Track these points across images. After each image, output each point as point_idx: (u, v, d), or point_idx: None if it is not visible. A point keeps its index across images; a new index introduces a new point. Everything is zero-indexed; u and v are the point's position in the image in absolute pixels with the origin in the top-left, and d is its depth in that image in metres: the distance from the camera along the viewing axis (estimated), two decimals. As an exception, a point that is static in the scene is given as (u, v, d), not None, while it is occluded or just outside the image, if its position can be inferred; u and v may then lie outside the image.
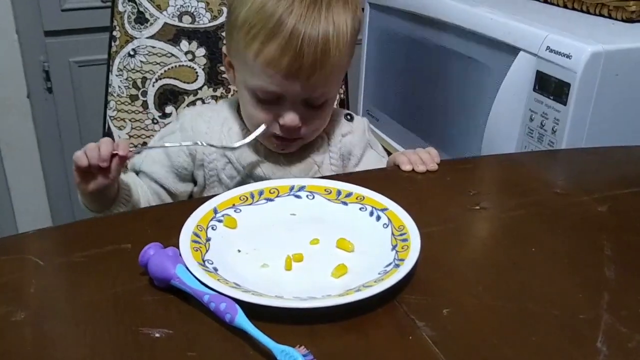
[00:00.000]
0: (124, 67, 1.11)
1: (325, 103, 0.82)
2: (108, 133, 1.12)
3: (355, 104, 1.68)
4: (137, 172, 0.90)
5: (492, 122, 1.10)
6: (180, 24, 1.08)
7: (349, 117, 0.92)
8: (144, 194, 0.86)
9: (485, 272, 0.61)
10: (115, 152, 0.73)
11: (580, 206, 0.74)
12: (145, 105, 1.11)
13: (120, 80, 1.11)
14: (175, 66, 1.09)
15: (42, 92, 1.73)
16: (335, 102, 1.15)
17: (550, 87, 0.98)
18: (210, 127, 0.88)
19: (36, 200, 1.75)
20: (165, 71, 1.10)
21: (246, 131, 0.86)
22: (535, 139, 1.02)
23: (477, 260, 0.63)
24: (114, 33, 1.11)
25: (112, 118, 1.12)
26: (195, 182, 0.89)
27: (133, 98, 1.11)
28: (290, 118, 0.79)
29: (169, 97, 1.11)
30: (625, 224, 0.70)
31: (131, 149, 0.75)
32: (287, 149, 0.84)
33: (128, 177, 0.87)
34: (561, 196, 0.76)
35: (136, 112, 1.12)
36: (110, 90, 1.12)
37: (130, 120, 1.12)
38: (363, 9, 1.61)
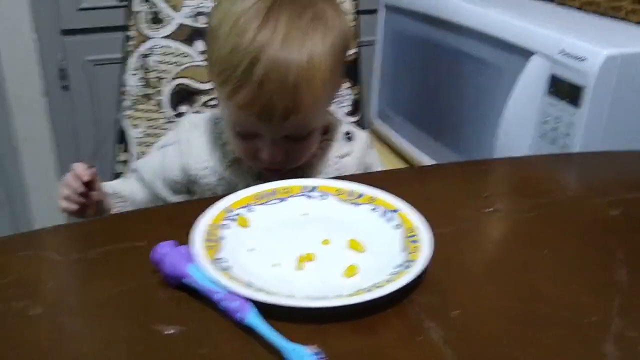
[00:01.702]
0: (139, 66, 1.12)
1: (309, 135, 0.78)
2: (122, 132, 1.13)
3: (370, 105, 1.68)
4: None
5: (505, 124, 1.10)
6: (195, 24, 1.09)
7: (348, 136, 0.88)
8: (145, 195, 0.88)
9: (496, 273, 0.61)
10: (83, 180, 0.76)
11: (593, 209, 0.74)
12: (159, 104, 1.12)
13: (135, 80, 1.12)
14: (190, 66, 1.10)
15: (59, 90, 1.75)
16: (343, 112, 1.16)
17: (565, 90, 0.97)
18: (204, 141, 0.86)
19: (52, 197, 1.77)
20: (180, 71, 1.11)
21: None
22: (549, 142, 1.02)
23: (488, 262, 0.63)
24: (129, 33, 1.12)
25: (126, 117, 1.13)
26: (191, 193, 0.89)
27: (147, 97, 1.12)
28: (269, 153, 0.77)
29: (184, 97, 1.11)
30: (638, 227, 0.70)
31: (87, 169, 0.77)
32: (273, 177, 0.81)
33: (125, 184, 0.89)
34: (574, 199, 0.76)
35: (151, 111, 1.13)
36: (124, 89, 1.13)
37: (144, 119, 1.13)
38: (376, 10, 1.61)
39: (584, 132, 0.95)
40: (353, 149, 0.88)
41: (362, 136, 0.90)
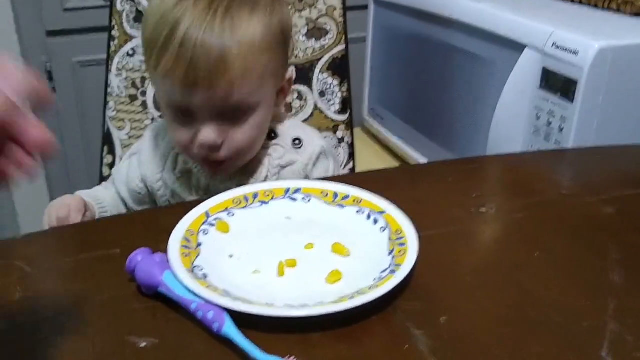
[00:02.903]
0: (123, 66, 1.09)
1: (246, 116, 0.75)
2: (107, 134, 1.10)
3: (361, 102, 1.66)
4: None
5: (497, 120, 1.08)
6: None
7: (296, 143, 0.83)
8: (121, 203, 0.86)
9: (486, 277, 0.59)
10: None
11: (586, 208, 0.71)
12: (144, 105, 1.10)
13: (120, 80, 1.10)
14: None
15: (45, 92, 1.72)
16: (333, 110, 1.13)
17: (557, 84, 0.95)
18: (160, 153, 0.85)
19: (38, 201, 1.74)
20: (165, 71, 1.08)
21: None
22: (542, 138, 1.00)
23: (478, 265, 0.61)
24: (113, 32, 1.09)
25: (111, 119, 1.11)
26: (155, 204, 0.87)
27: (132, 98, 1.10)
28: (204, 134, 0.73)
29: (169, 97, 1.09)
30: (633, 226, 0.67)
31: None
32: (220, 172, 0.80)
33: (106, 192, 0.88)
34: (567, 197, 0.74)
35: (135, 112, 1.10)
36: (109, 90, 1.11)
37: (129, 120, 1.10)
38: (366, 6, 1.58)
39: (577, 126, 0.93)
40: (298, 159, 0.83)
41: (314, 145, 0.84)
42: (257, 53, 0.72)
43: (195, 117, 0.74)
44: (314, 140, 0.84)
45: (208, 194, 0.78)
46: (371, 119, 1.62)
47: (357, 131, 1.70)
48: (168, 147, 0.85)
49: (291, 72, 0.85)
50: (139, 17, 1.08)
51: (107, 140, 1.11)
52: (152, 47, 0.72)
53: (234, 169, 0.81)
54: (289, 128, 0.85)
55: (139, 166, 0.85)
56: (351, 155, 1.17)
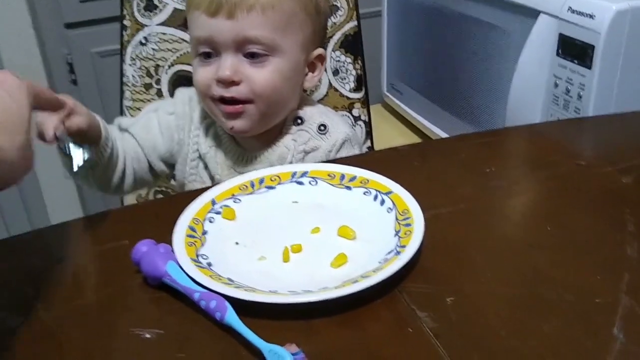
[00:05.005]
0: (137, 55, 1.09)
1: (266, 59, 0.77)
2: (126, 124, 1.11)
3: (380, 78, 1.63)
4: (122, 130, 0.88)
5: (515, 90, 1.05)
6: (190, 9, 1.06)
7: (322, 129, 0.84)
8: (122, 152, 0.84)
9: (495, 256, 0.57)
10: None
11: (603, 178, 0.69)
12: (160, 93, 1.10)
13: (134, 70, 1.10)
14: (188, 52, 1.07)
15: (67, 84, 1.74)
16: (348, 88, 1.11)
17: (574, 50, 0.92)
18: (194, 113, 0.87)
19: (66, 191, 1.77)
20: (177, 57, 1.08)
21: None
22: (561, 107, 0.97)
23: (488, 244, 0.59)
24: (124, 22, 1.09)
25: (128, 108, 1.11)
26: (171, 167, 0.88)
27: (147, 87, 1.10)
28: (222, 67, 0.76)
29: (183, 84, 1.08)
30: (652, 195, 0.65)
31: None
32: (239, 123, 0.79)
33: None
34: (584, 168, 0.72)
35: (151, 100, 1.10)
36: (124, 80, 1.11)
37: (146, 109, 1.11)
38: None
39: (596, 93, 0.90)
40: (321, 144, 0.83)
41: (339, 132, 0.84)
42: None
43: (218, 55, 0.77)
44: (340, 127, 0.85)
45: (232, 175, 0.79)
46: (391, 94, 1.60)
47: (378, 107, 1.69)
48: (203, 112, 0.86)
49: (323, 52, 0.85)
50: (149, 5, 1.08)
51: (126, 130, 1.12)
52: None
53: (254, 124, 0.80)
54: (316, 114, 0.86)
55: (175, 118, 0.86)
56: (368, 134, 1.16)
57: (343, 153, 0.84)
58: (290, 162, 0.82)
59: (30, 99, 0.54)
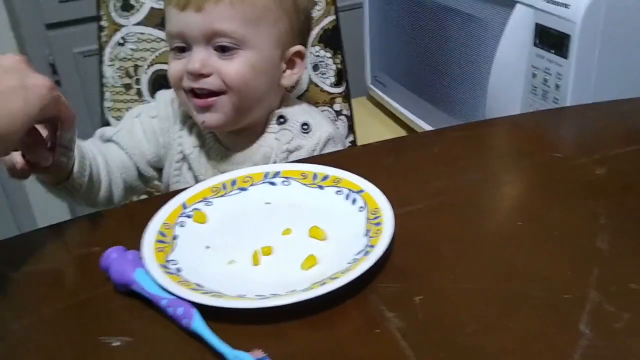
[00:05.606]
0: (115, 56, 1.08)
1: (235, 51, 0.77)
2: (106, 124, 1.10)
3: (363, 71, 1.63)
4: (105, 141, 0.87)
5: (494, 81, 1.05)
6: (166, 7, 1.05)
7: (305, 128, 0.84)
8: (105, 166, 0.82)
9: (466, 252, 0.57)
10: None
11: (578, 170, 0.69)
12: (139, 93, 1.09)
13: (113, 70, 1.09)
14: (166, 51, 1.07)
15: (51, 85, 1.73)
16: (328, 83, 1.11)
17: (550, 40, 0.91)
18: (176, 114, 0.87)
19: (52, 196, 1.76)
20: (156, 57, 1.07)
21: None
22: (540, 97, 0.96)
23: (459, 240, 0.59)
24: (102, 23, 1.09)
25: (108, 109, 1.11)
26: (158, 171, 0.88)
27: (127, 87, 1.09)
28: (191, 61, 0.76)
29: (163, 83, 1.08)
30: (624, 186, 0.65)
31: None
32: (206, 116, 0.79)
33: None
34: (559, 160, 0.71)
35: (132, 101, 1.10)
36: (104, 81, 1.10)
37: (126, 110, 1.10)
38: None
39: (573, 83, 0.89)
40: (305, 143, 0.83)
41: (322, 131, 0.84)
42: None
43: (190, 49, 0.77)
44: (323, 126, 0.85)
45: (215, 175, 0.78)
46: (375, 87, 1.59)
47: (363, 100, 1.68)
48: (186, 112, 0.86)
49: (303, 49, 0.85)
50: (125, 5, 1.07)
51: (107, 131, 1.11)
52: None
53: (227, 119, 0.80)
54: (298, 113, 0.86)
55: (158, 121, 0.87)
56: (350, 128, 1.15)
57: (327, 152, 0.84)
58: (275, 162, 0.82)
59: (42, 113, 0.55)
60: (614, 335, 0.46)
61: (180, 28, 0.77)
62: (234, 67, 0.77)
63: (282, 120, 0.84)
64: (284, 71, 0.83)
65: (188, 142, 0.86)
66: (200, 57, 0.76)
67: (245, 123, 0.82)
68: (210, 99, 0.78)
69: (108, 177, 0.81)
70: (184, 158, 0.86)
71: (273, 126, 0.84)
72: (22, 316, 0.53)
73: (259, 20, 0.77)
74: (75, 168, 0.73)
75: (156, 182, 0.97)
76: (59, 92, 0.59)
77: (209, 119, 0.79)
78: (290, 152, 0.83)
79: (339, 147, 0.86)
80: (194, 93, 0.79)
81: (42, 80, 0.57)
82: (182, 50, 0.79)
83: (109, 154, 0.84)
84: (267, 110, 0.84)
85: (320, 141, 0.83)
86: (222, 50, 0.77)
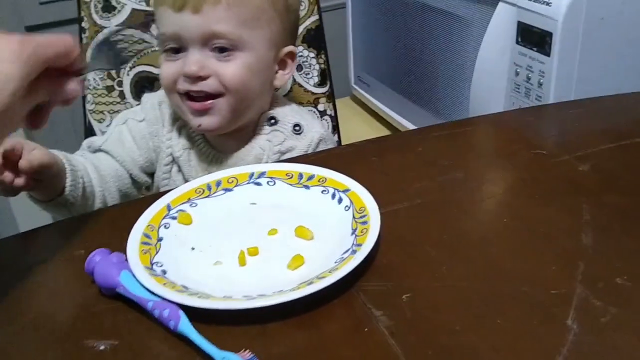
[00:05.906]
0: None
1: (233, 52, 0.76)
2: (89, 128, 1.09)
3: (347, 71, 1.63)
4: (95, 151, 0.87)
5: (477, 80, 1.05)
6: (149, 8, 1.04)
7: (297, 129, 0.84)
8: (97, 177, 0.82)
9: (452, 250, 0.57)
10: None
11: (561, 167, 0.69)
12: (122, 95, 1.08)
13: (95, 73, 1.08)
14: (148, 52, 1.06)
15: (31, 88, 1.71)
16: (312, 83, 1.11)
17: (533, 38, 0.92)
18: (165, 117, 0.86)
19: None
20: (138, 58, 1.06)
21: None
22: (523, 95, 0.97)
23: (444, 238, 0.59)
24: (83, 24, 1.08)
25: (90, 112, 1.10)
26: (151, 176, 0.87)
27: (109, 89, 1.08)
28: (188, 63, 0.75)
29: (145, 85, 1.07)
30: (607, 183, 0.65)
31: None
32: (203, 120, 0.78)
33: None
34: (542, 157, 0.72)
35: (114, 103, 1.09)
36: (86, 83, 1.09)
37: (108, 112, 1.09)
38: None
39: (556, 80, 0.90)
40: (297, 144, 0.83)
41: (314, 132, 0.84)
42: None
43: (185, 50, 0.76)
44: (314, 127, 0.85)
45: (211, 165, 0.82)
46: (358, 87, 1.59)
47: (347, 100, 1.68)
48: (175, 114, 0.85)
49: (294, 49, 0.85)
50: (107, 6, 1.06)
51: (90, 134, 1.10)
52: None
53: (223, 121, 0.79)
54: (289, 114, 0.85)
55: (146, 125, 0.86)
56: (335, 128, 1.15)
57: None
58: (266, 163, 0.81)
59: (27, 69, 0.51)
60: (600, 329, 0.46)
61: (175, 29, 0.76)
62: (232, 69, 0.76)
63: (273, 121, 0.84)
64: (276, 72, 0.83)
65: (177, 145, 0.85)
66: (197, 59, 0.75)
67: (238, 125, 0.82)
68: (207, 102, 0.77)
69: (101, 187, 0.81)
70: (174, 161, 0.86)
71: (264, 127, 0.84)
72: (5, 321, 0.52)
73: (254, 21, 0.77)
74: (68, 182, 0.73)
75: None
76: (36, 39, 0.52)
77: (206, 122, 0.78)
78: (282, 153, 0.83)
79: (330, 148, 0.86)
80: (189, 96, 0.78)
81: (7, 42, 0.50)
82: (176, 51, 0.78)
83: (100, 164, 0.84)
84: (259, 111, 0.84)
85: (312, 142, 0.83)
86: (219, 51, 0.76)
